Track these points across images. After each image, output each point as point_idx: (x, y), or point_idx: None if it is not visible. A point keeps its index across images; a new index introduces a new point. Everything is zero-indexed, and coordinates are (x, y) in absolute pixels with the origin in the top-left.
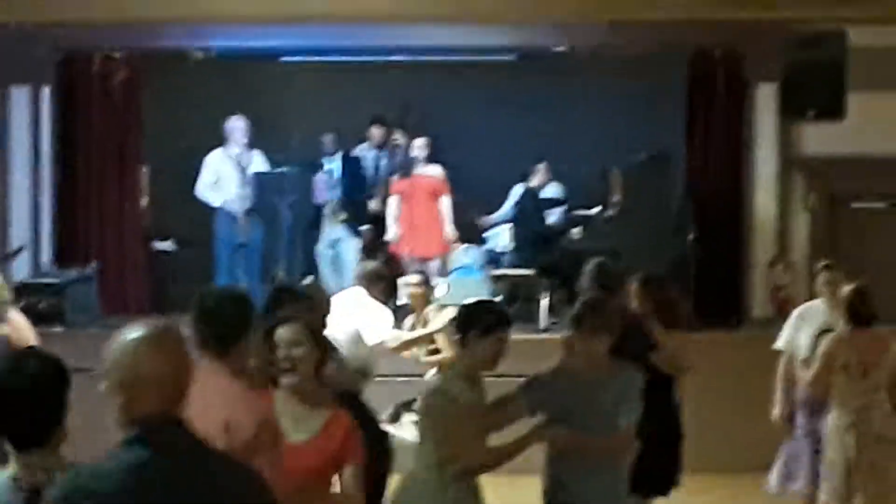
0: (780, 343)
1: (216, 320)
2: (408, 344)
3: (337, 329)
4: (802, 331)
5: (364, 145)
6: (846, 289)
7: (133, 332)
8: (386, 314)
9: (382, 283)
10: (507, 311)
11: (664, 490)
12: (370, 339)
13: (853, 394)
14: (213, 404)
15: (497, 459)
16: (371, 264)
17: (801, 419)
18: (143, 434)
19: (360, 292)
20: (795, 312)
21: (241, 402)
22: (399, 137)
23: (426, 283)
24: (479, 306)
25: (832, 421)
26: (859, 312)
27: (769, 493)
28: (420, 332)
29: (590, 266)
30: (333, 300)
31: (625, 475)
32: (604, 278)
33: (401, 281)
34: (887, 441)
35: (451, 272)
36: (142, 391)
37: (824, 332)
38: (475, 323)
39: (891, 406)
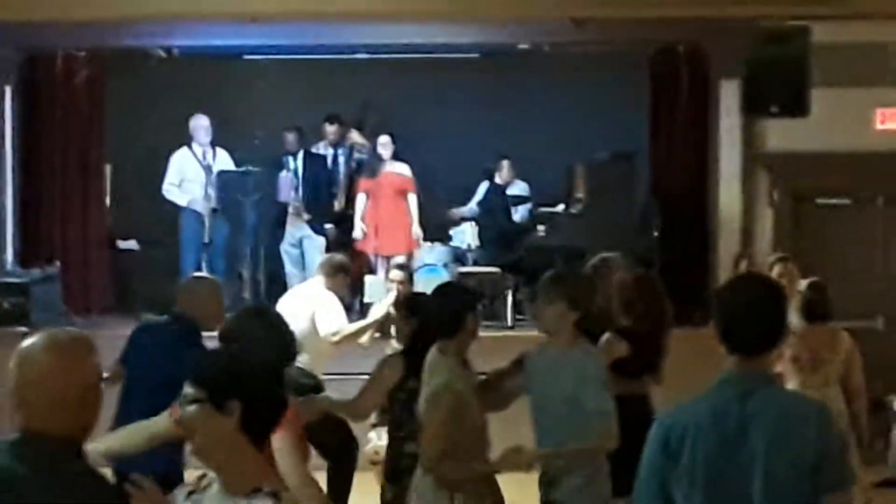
0: None
1: None
2: (351, 336)
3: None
4: None
5: (321, 143)
6: (802, 284)
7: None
8: (337, 307)
9: (342, 275)
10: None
11: None
12: (320, 330)
13: (803, 387)
14: None
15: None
16: (335, 256)
17: None
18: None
19: (319, 283)
20: None
21: None
22: (356, 136)
23: (410, 279)
24: (450, 289)
25: None
26: (814, 308)
27: None
28: (360, 323)
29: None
30: (292, 292)
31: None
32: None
33: (383, 276)
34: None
35: (416, 270)
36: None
37: None
38: (466, 305)
39: (844, 401)
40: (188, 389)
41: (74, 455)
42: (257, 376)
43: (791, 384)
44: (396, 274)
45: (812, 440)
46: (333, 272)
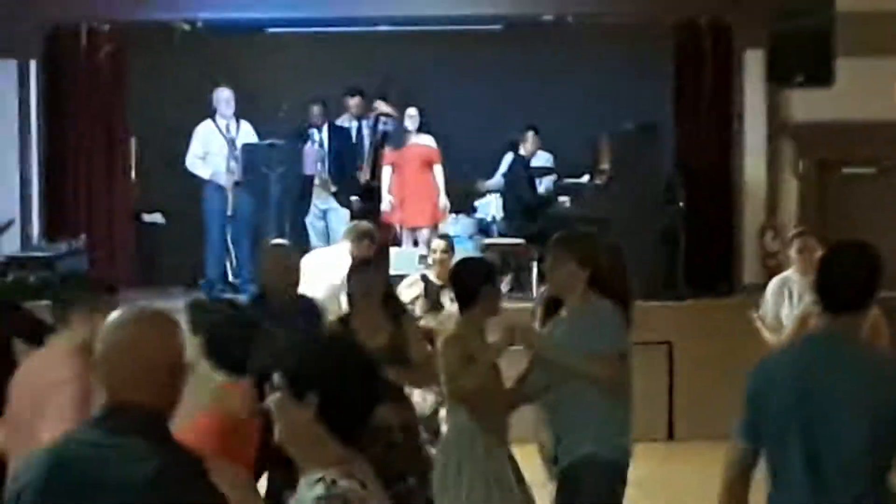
0: (761, 313)
1: None
2: None
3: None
4: (784, 305)
5: (344, 116)
6: (819, 255)
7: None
8: None
9: (367, 241)
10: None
11: None
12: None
13: None
14: None
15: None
16: (361, 223)
17: None
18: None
19: (343, 249)
20: (774, 286)
21: None
22: (382, 105)
23: (451, 248)
24: (467, 262)
25: None
26: None
27: None
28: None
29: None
30: (314, 254)
31: (618, 416)
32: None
33: (409, 248)
34: None
35: None
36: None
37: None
38: (480, 278)
39: None
40: (275, 377)
41: (162, 426)
42: (341, 371)
43: None
44: (438, 244)
45: (891, 395)
46: (358, 238)
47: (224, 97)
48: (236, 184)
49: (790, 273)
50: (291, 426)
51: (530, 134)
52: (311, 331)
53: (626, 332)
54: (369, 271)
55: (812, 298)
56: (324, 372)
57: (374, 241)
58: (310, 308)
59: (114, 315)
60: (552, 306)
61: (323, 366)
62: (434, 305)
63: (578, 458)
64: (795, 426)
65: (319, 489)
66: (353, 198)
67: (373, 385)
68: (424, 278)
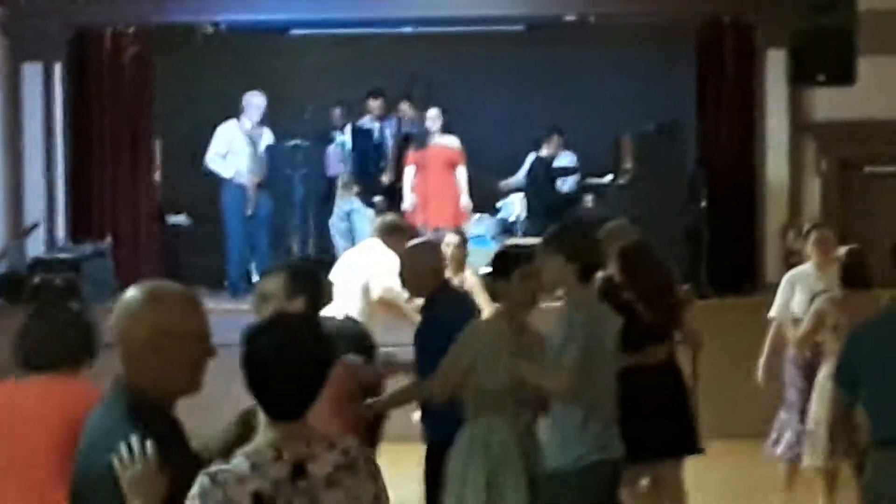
0: (773, 311)
1: None
2: (397, 308)
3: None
4: (794, 297)
5: (366, 118)
6: (842, 251)
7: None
8: (394, 266)
9: (399, 234)
10: (524, 250)
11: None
12: (373, 289)
13: None
14: None
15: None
16: (389, 216)
17: (793, 383)
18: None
19: (376, 243)
20: (785, 279)
21: None
22: (406, 109)
23: (464, 243)
24: (499, 253)
25: (821, 380)
26: (855, 276)
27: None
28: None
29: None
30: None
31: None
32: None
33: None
34: None
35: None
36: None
37: (821, 293)
38: (503, 268)
39: None
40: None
41: (162, 410)
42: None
43: (831, 353)
44: (452, 238)
45: None
46: (390, 230)
47: (256, 102)
48: (258, 185)
49: (806, 267)
50: None
51: (553, 134)
52: None
53: (606, 338)
54: None
55: (829, 294)
56: None
57: (405, 235)
58: None
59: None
60: None
61: None
62: None
63: (547, 474)
64: (883, 377)
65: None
66: (377, 198)
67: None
68: None
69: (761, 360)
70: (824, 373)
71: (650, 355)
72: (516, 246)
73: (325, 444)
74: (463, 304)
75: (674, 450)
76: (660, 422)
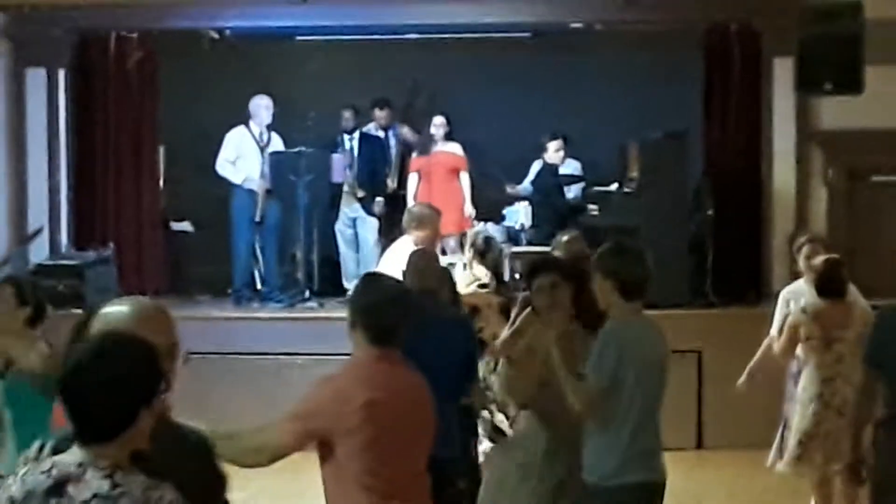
0: (773, 330)
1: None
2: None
3: None
4: (791, 315)
5: (371, 125)
6: (818, 260)
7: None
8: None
9: (430, 226)
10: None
11: None
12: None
13: (818, 366)
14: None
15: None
16: (414, 208)
17: (791, 397)
18: None
19: (408, 240)
20: (781, 296)
21: None
22: (406, 132)
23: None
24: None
25: (800, 391)
26: (827, 285)
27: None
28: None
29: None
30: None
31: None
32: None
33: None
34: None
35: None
36: None
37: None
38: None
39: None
40: None
41: None
42: None
43: (809, 364)
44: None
45: None
46: (422, 222)
47: (263, 104)
48: (268, 191)
49: (801, 282)
50: None
51: (558, 142)
52: None
53: (651, 355)
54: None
55: (801, 306)
56: None
57: (430, 226)
58: None
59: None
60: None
61: None
62: None
63: (587, 485)
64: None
65: None
66: (378, 199)
67: None
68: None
69: (749, 365)
70: (802, 383)
71: None
72: (545, 257)
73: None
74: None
75: None
76: None
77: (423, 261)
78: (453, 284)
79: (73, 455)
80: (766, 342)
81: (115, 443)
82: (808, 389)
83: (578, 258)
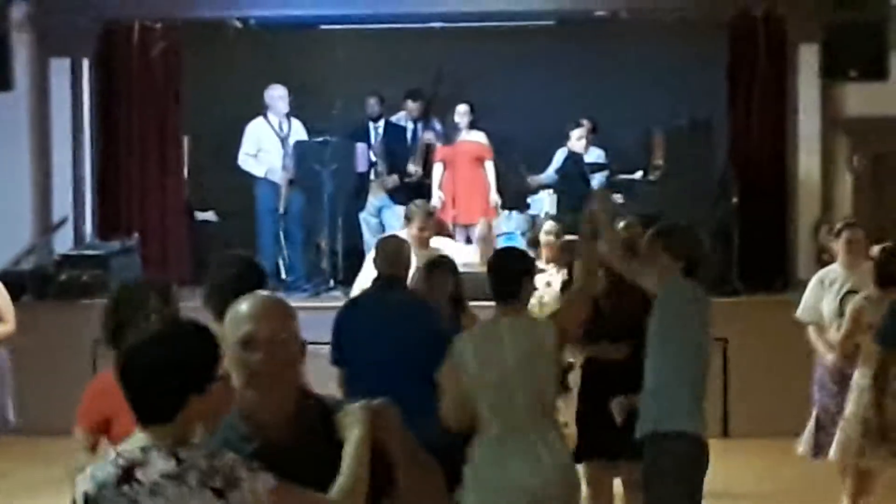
0: (800, 312)
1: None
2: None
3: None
4: (825, 298)
5: (401, 114)
6: (876, 249)
7: None
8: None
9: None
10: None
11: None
12: None
13: (879, 356)
14: None
15: None
16: (416, 202)
17: (823, 386)
18: None
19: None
20: (815, 278)
21: None
22: (427, 137)
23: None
24: (512, 252)
25: (856, 378)
26: (887, 274)
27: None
28: None
29: None
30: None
31: None
32: None
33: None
34: None
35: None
36: None
37: (849, 293)
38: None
39: None
40: None
41: None
42: None
43: (867, 352)
44: (551, 226)
45: None
46: (428, 216)
47: (278, 94)
48: (290, 182)
49: (835, 266)
50: None
51: (581, 129)
52: None
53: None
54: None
55: (863, 293)
56: None
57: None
58: None
59: None
60: None
61: None
62: None
63: (648, 434)
64: None
65: None
66: (394, 181)
67: None
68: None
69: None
70: (859, 373)
71: (613, 351)
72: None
73: (187, 450)
74: None
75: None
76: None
77: (390, 246)
78: (458, 280)
79: (136, 440)
80: (813, 336)
81: (174, 423)
82: (865, 377)
83: (635, 240)
